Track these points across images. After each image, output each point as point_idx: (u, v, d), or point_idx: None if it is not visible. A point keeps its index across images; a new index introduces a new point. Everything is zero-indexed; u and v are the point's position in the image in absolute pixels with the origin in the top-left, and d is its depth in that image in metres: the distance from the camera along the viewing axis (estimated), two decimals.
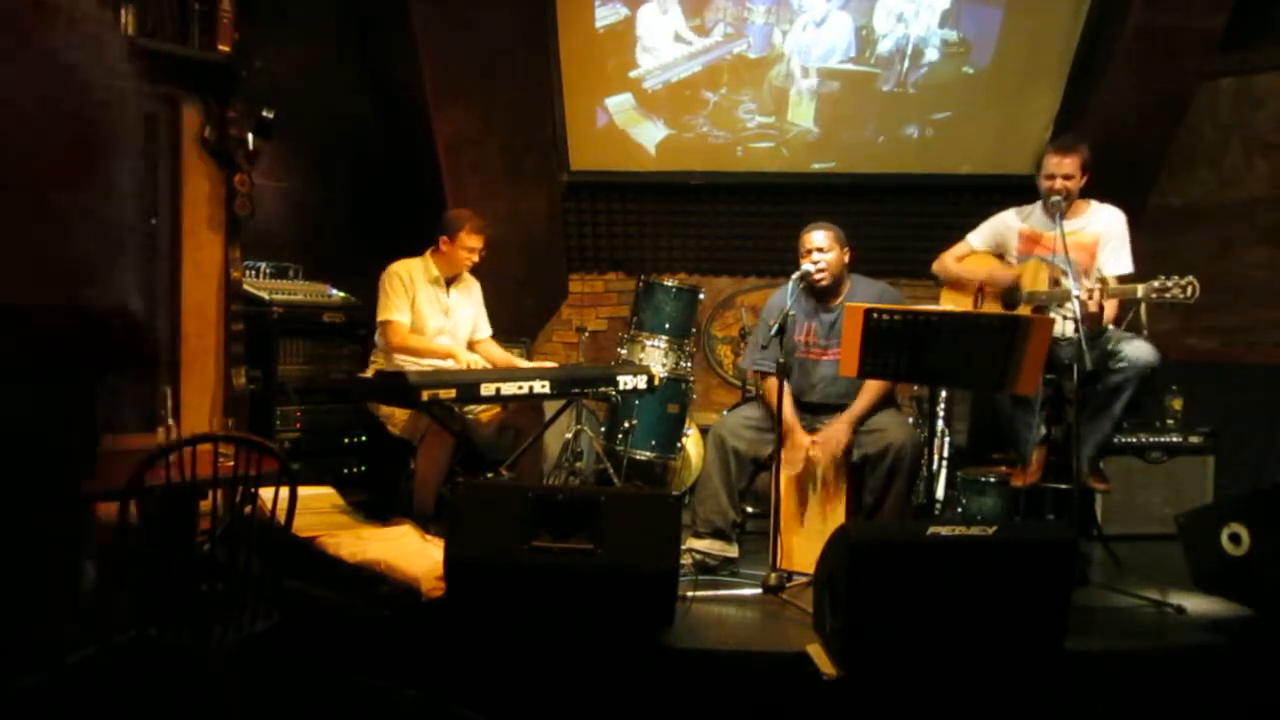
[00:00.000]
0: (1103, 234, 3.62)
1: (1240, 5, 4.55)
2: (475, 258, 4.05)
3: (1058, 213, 3.46)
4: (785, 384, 3.39)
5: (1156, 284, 3.22)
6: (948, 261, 3.93)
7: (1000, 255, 3.86)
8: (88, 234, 0.89)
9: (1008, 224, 3.83)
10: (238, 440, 2.33)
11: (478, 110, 4.80)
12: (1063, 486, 3.74)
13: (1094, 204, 3.70)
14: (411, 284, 3.97)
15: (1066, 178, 3.56)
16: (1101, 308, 3.35)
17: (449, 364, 3.92)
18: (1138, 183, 4.93)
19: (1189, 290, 3.14)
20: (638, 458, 4.52)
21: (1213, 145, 4.93)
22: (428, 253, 4.08)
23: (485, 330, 4.31)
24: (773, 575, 3.23)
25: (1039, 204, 3.72)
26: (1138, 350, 3.43)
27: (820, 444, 3.51)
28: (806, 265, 3.58)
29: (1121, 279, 3.51)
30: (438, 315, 4.07)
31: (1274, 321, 4.75)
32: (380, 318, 3.96)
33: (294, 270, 4.32)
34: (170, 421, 2.93)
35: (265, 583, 2.40)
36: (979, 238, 3.91)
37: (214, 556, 2.42)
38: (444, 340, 4.07)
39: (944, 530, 2.58)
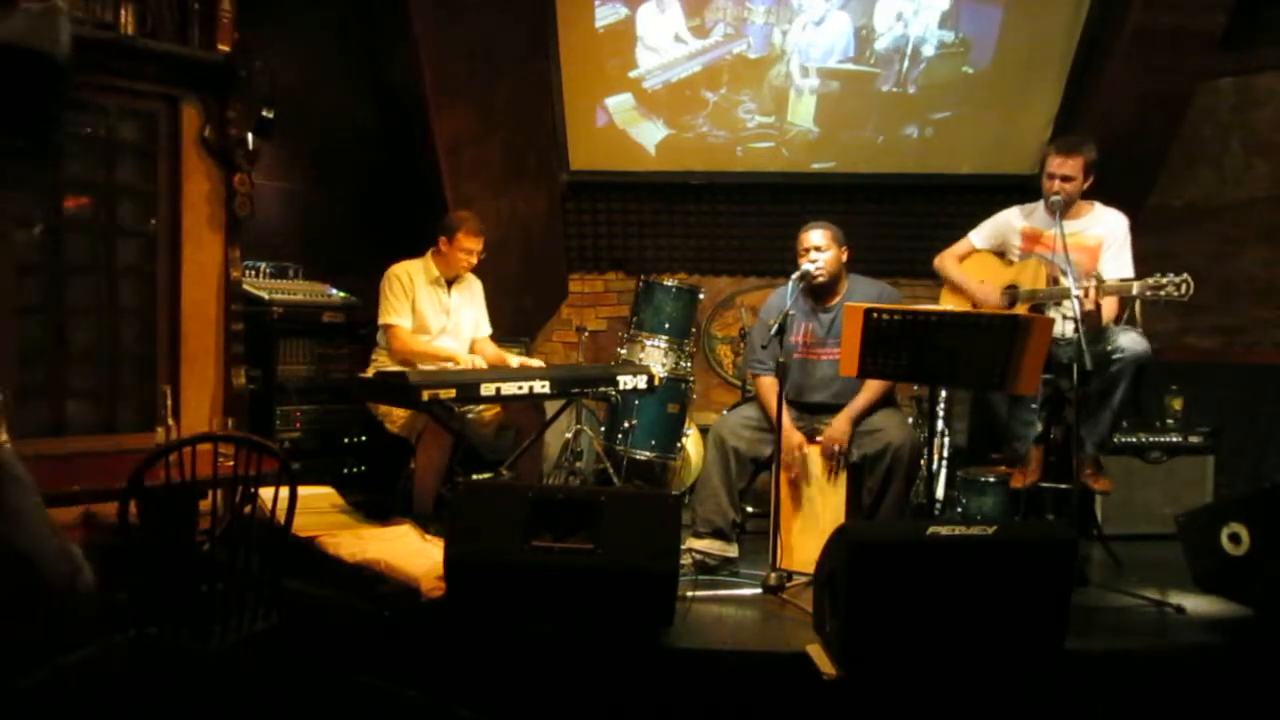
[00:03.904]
0: (1105, 238, 3.61)
1: (1240, 5, 4.55)
2: (473, 259, 4.05)
3: (1057, 212, 3.46)
4: (781, 385, 3.38)
5: (1151, 281, 3.22)
6: (948, 262, 3.92)
7: (1001, 253, 3.85)
8: None
9: (1010, 222, 3.82)
10: (238, 440, 2.32)
11: (478, 110, 4.79)
12: (1063, 486, 3.73)
13: (1098, 207, 3.68)
14: (411, 285, 3.97)
15: (1066, 179, 3.54)
16: (1099, 305, 3.35)
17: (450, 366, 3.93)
18: (1138, 183, 4.93)
19: (1183, 288, 3.14)
20: (638, 458, 4.52)
21: (1213, 145, 4.93)
22: (429, 253, 4.08)
23: (485, 329, 4.31)
24: (773, 575, 3.23)
25: (1042, 202, 3.71)
26: (1131, 340, 3.44)
27: (825, 447, 3.51)
28: (805, 265, 3.58)
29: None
30: (439, 315, 4.08)
31: (1274, 321, 4.75)
32: (381, 321, 3.96)
33: (294, 270, 4.32)
34: (170, 421, 2.92)
35: (265, 583, 2.40)
36: (981, 236, 3.90)
37: (214, 556, 2.42)
38: (446, 341, 4.07)
39: (944, 530, 2.57)
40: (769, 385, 3.59)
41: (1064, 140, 3.70)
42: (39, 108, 1.00)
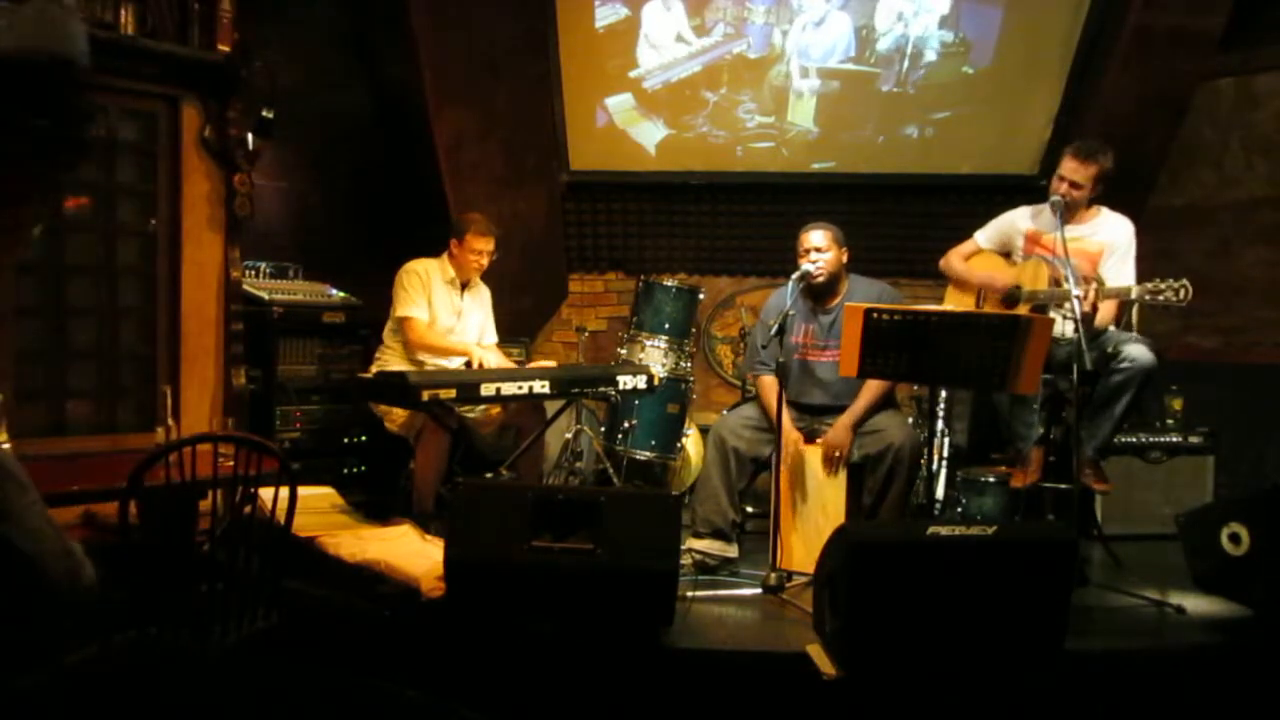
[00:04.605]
0: (1108, 244, 3.58)
1: (1240, 5, 4.55)
2: (484, 260, 4.07)
3: (1058, 213, 3.44)
4: (782, 386, 3.38)
5: (1150, 285, 3.21)
6: (954, 260, 3.92)
7: (1006, 254, 3.85)
8: None
9: (1014, 223, 3.81)
10: (238, 440, 2.33)
11: (478, 110, 4.79)
12: (1063, 486, 3.73)
13: (1105, 212, 3.66)
14: (428, 281, 4.00)
15: (1075, 185, 3.50)
16: (1096, 308, 3.34)
17: (459, 362, 3.98)
18: (1138, 183, 4.92)
19: (1181, 293, 3.14)
20: (638, 458, 4.52)
21: (1213, 145, 4.93)
22: (444, 255, 4.11)
23: (491, 337, 4.34)
24: (773, 575, 3.23)
25: (1049, 204, 3.69)
26: (1140, 351, 3.41)
27: (826, 454, 3.51)
28: (805, 265, 3.58)
29: None
30: (450, 316, 4.09)
31: (1274, 321, 4.75)
32: (399, 314, 3.97)
33: (294, 270, 4.32)
34: (170, 421, 2.92)
35: (265, 583, 2.40)
36: (986, 236, 3.89)
37: (214, 556, 2.42)
38: (456, 339, 4.10)
39: (944, 530, 2.57)
40: (770, 385, 3.59)
41: (1085, 145, 3.60)
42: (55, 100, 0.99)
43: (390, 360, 3.99)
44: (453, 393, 3.47)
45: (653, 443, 4.54)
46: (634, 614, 2.72)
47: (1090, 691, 2.64)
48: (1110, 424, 3.52)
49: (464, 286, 4.15)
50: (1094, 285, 3.33)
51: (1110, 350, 3.45)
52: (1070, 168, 3.53)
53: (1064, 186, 3.52)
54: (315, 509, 3.46)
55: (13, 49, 0.93)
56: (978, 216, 4.01)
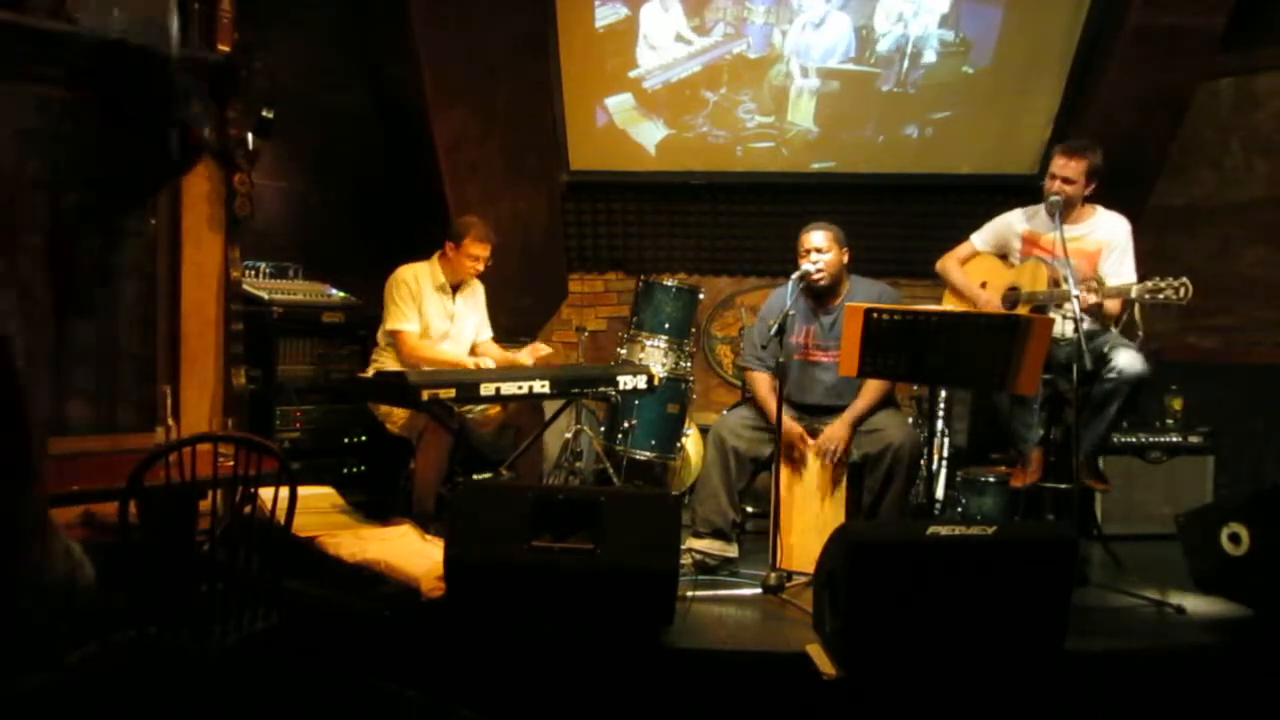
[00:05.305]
0: (1106, 243, 3.59)
1: (1240, 5, 4.55)
2: (480, 266, 4.06)
3: (1055, 213, 3.45)
4: (780, 384, 3.38)
5: (1150, 284, 3.22)
6: (951, 264, 3.92)
7: (1003, 256, 3.85)
8: None
9: (1011, 225, 3.81)
10: (238, 440, 2.32)
11: (478, 110, 4.79)
12: (1063, 486, 3.74)
13: (1100, 210, 3.67)
14: (418, 289, 3.99)
15: (1066, 181, 3.52)
16: (1100, 303, 3.35)
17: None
18: (1138, 183, 4.93)
19: (1182, 291, 3.14)
20: (638, 458, 4.52)
21: (1213, 145, 4.93)
22: (435, 257, 4.09)
23: (486, 333, 4.33)
24: (772, 575, 3.23)
25: (1044, 205, 3.70)
26: (1128, 360, 3.42)
27: (821, 446, 3.51)
28: (806, 265, 3.58)
29: None
30: (443, 320, 4.08)
31: (1274, 321, 4.75)
32: (389, 327, 3.96)
33: (294, 270, 4.32)
34: (170, 421, 2.93)
35: (265, 583, 2.40)
36: (982, 238, 3.90)
37: (214, 556, 2.42)
38: (448, 347, 4.09)
39: (944, 530, 2.58)
40: (762, 381, 3.59)
41: (1070, 142, 3.69)
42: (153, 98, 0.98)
43: (386, 363, 3.98)
44: (452, 392, 3.47)
45: (652, 443, 4.54)
46: (634, 614, 2.72)
47: (1090, 691, 2.64)
48: (1101, 428, 3.53)
49: (455, 288, 4.14)
50: (1093, 285, 3.34)
51: (1105, 352, 3.45)
52: (1060, 164, 3.55)
53: (1057, 184, 3.54)
54: (315, 509, 3.46)
55: (116, 34, 0.92)
56: (978, 217, 4.01)
